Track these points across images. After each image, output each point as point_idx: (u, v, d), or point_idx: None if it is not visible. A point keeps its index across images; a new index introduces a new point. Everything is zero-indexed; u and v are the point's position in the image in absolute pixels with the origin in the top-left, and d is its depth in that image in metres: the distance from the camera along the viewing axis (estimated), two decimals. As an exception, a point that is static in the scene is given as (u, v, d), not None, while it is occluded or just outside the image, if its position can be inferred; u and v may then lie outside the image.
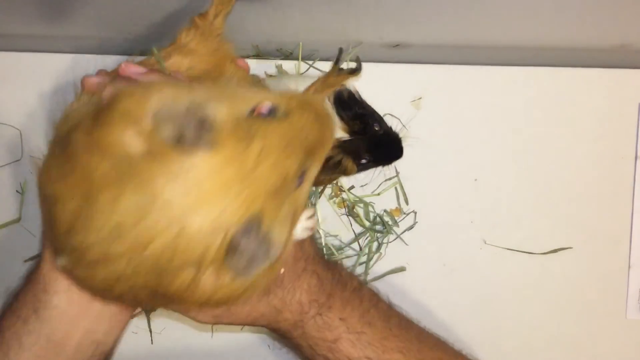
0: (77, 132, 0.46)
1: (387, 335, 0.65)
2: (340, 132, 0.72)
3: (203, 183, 0.42)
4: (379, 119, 0.76)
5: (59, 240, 0.47)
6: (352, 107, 0.73)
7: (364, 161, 0.75)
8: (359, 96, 0.76)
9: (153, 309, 0.78)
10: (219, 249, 0.44)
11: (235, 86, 0.59)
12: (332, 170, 0.74)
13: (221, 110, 0.45)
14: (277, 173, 0.45)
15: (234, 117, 0.45)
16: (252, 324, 0.62)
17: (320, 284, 0.63)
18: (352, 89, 0.75)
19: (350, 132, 0.72)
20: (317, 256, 0.64)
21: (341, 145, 0.72)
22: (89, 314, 0.59)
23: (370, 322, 0.64)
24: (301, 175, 0.48)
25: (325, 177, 0.77)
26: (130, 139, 0.43)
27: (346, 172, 0.76)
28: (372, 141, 0.74)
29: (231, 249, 0.44)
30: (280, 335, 0.65)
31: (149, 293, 0.47)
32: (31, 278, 0.60)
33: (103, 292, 0.48)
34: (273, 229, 0.45)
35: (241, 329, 0.84)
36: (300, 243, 0.62)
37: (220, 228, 0.43)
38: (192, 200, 0.42)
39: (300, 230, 0.58)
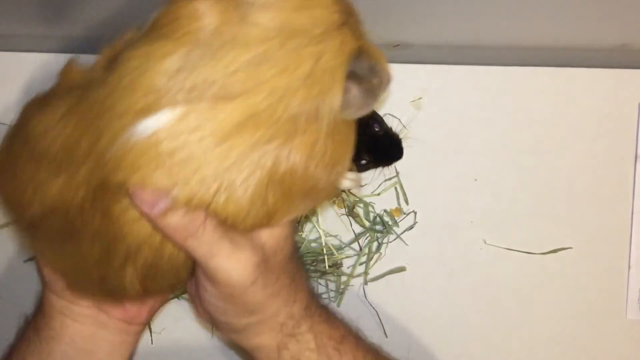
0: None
1: (377, 348, 0.64)
2: None
3: (326, 17, 0.45)
4: (378, 119, 0.76)
5: (162, 89, 0.43)
6: None
7: (363, 162, 0.75)
8: None
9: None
10: (342, 76, 0.45)
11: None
12: None
13: None
14: (360, 26, 0.51)
15: None
16: (270, 299, 0.55)
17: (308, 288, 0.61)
18: None
19: None
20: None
21: None
22: (83, 336, 0.61)
23: (356, 332, 0.64)
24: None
25: None
26: None
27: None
28: (372, 142, 0.74)
29: (351, 78, 0.45)
30: (282, 336, 0.57)
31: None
32: (38, 303, 0.63)
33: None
34: (378, 61, 0.48)
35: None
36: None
37: (346, 53, 0.46)
38: (322, 30, 0.44)
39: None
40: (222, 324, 0.58)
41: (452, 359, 0.86)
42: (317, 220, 0.84)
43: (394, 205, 0.85)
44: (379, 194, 0.84)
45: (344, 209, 0.85)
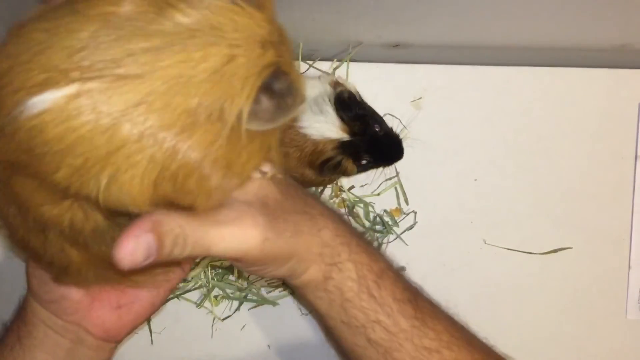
0: None
1: (416, 287, 0.63)
2: (340, 133, 0.72)
3: (251, 26, 0.43)
4: (379, 120, 0.76)
5: (58, 66, 0.40)
6: (352, 108, 0.73)
7: (364, 162, 0.75)
8: (360, 97, 0.76)
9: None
10: (251, 90, 0.43)
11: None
12: (332, 171, 0.74)
13: None
14: (289, 53, 0.47)
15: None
16: (294, 239, 0.53)
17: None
18: (352, 89, 0.75)
19: (351, 133, 0.72)
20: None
21: (341, 146, 0.72)
22: (64, 346, 0.62)
23: (397, 268, 0.61)
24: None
25: (325, 178, 0.77)
26: None
27: (346, 173, 0.76)
28: (372, 142, 0.74)
29: (262, 91, 0.44)
30: (324, 266, 0.55)
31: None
32: (20, 308, 0.64)
33: (100, 134, 0.41)
34: (297, 82, 0.46)
35: (242, 328, 0.84)
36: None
37: (256, 71, 0.43)
38: (242, 36, 0.43)
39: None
40: (272, 279, 0.57)
41: (452, 359, 0.86)
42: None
43: (394, 205, 0.85)
44: (379, 194, 0.84)
45: (344, 209, 0.85)
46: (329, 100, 0.72)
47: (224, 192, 0.47)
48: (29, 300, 0.63)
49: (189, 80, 0.41)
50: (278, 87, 0.44)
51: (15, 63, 0.41)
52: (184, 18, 0.41)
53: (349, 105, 0.73)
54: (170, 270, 0.63)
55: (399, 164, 0.81)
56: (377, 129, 0.75)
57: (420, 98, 0.85)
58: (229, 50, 0.41)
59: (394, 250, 0.84)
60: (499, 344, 0.86)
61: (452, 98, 0.85)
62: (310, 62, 0.83)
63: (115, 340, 0.66)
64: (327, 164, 0.73)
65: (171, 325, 0.84)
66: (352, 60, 0.83)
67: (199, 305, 0.84)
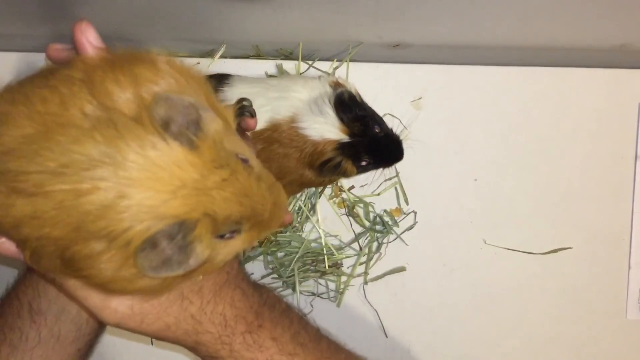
0: (69, 68, 0.47)
1: (319, 357, 0.62)
2: (340, 134, 0.72)
3: (163, 169, 0.43)
4: (379, 121, 0.76)
5: None
6: (352, 109, 0.73)
7: (364, 163, 0.75)
8: (360, 98, 0.76)
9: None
10: (139, 235, 0.44)
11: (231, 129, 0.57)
12: (331, 172, 0.74)
13: (215, 125, 0.46)
14: (225, 207, 0.46)
15: (222, 138, 0.47)
16: (166, 333, 0.57)
17: (246, 299, 0.59)
18: (352, 90, 0.75)
19: (350, 134, 0.72)
20: (241, 273, 0.61)
21: (341, 147, 0.72)
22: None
23: (302, 343, 0.62)
24: (233, 231, 0.50)
25: (325, 179, 0.77)
26: (127, 98, 0.45)
27: (346, 174, 0.76)
28: (372, 143, 0.74)
29: (149, 243, 0.44)
30: (206, 356, 0.59)
31: (56, 248, 0.46)
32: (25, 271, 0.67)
33: (10, 229, 0.46)
34: (200, 243, 0.45)
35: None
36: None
37: (154, 215, 0.44)
38: (145, 177, 0.43)
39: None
40: None
41: (452, 359, 0.86)
42: (317, 220, 0.84)
43: (394, 205, 0.85)
44: (379, 194, 0.84)
45: (344, 209, 0.85)
46: (329, 101, 0.72)
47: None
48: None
49: (75, 208, 0.43)
50: (171, 240, 0.44)
51: None
52: (103, 147, 0.43)
53: (349, 106, 0.73)
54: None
55: (399, 164, 0.81)
56: (377, 130, 0.74)
57: (420, 98, 0.85)
58: (124, 188, 0.43)
59: (394, 250, 0.84)
60: (500, 344, 0.86)
61: (452, 98, 0.85)
62: (310, 62, 0.83)
63: None
64: (327, 165, 0.73)
65: (171, 325, 0.84)
66: (352, 60, 0.83)
67: (199, 305, 0.84)
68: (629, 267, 0.85)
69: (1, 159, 0.45)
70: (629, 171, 0.85)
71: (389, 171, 0.83)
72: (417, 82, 0.85)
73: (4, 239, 0.50)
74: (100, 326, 0.68)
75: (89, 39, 0.52)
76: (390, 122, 0.81)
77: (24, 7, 0.74)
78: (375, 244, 0.84)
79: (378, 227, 0.84)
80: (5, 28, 0.79)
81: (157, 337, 0.57)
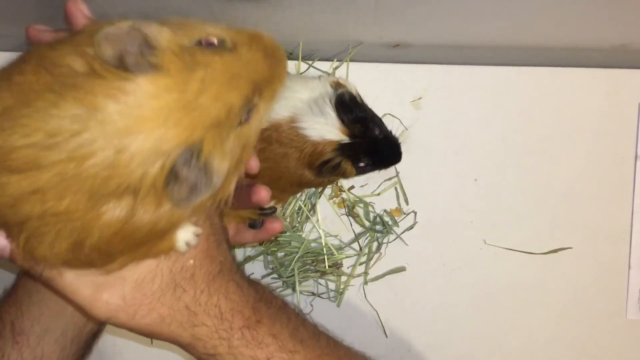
0: (27, 53, 0.46)
1: (320, 354, 0.61)
2: (340, 135, 0.72)
3: (143, 106, 0.42)
4: (378, 123, 0.76)
5: None
6: (353, 110, 0.73)
7: (362, 164, 0.75)
8: (360, 98, 0.76)
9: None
10: (159, 175, 0.43)
11: (181, 18, 0.53)
12: (331, 172, 0.74)
13: (164, 35, 0.44)
14: (220, 105, 0.44)
15: (178, 43, 0.44)
16: (160, 327, 0.55)
17: (241, 292, 0.58)
18: (353, 91, 0.75)
19: (350, 135, 0.72)
20: (234, 266, 0.59)
21: (341, 148, 0.72)
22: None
23: (301, 340, 0.60)
24: (249, 111, 0.48)
25: (324, 179, 0.77)
26: (73, 59, 0.43)
27: (345, 175, 0.76)
28: (372, 145, 0.74)
29: (171, 176, 0.43)
30: (203, 355, 0.57)
31: (65, 223, 0.44)
32: None
33: (6, 209, 0.44)
34: (214, 160, 0.44)
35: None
36: (217, 243, 0.58)
37: (160, 153, 0.42)
38: (132, 122, 0.41)
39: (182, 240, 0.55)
40: None
41: (452, 359, 0.86)
42: (317, 220, 0.84)
43: (394, 205, 0.85)
44: (379, 194, 0.84)
45: (344, 209, 0.85)
46: (330, 102, 0.72)
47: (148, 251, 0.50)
48: None
49: (79, 175, 0.42)
50: (187, 169, 0.44)
51: None
52: (75, 107, 0.41)
53: (349, 107, 0.73)
54: None
55: (399, 164, 0.81)
56: (377, 132, 0.74)
57: (420, 98, 0.85)
58: (117, 141, 0.41)
59: (394, 250, 0.84)
60: (500, 344, 0.86)
61: (452, 98, 0.85)
62: (310, 62, 0.83)
63: None
64: (326, 166, 0.73)
65: (171, 325, 0.84)
66: (352, 60, 0.83)
67: (199, 305, 0.84)
68: (629, 267, 0.85)
69: None
70: (629, 171, 0.85)
71: (389, 171, 0.83)
72: (417, 82, 0.85)
73: None
74: (86, 345, 0.67)
75: (81, 9, 0.51)
76: (390, 122, 0.81)
77: (24, 8, 0.74)
78: (375, 244, 0.84)
79: (378, 227, 0.84)
80: (4, 28, 0.79)
81: (152, 333, 0.55)
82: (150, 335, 0.56)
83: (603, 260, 0.85)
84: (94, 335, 0.68)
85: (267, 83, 0.48)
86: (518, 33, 0.79)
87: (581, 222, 0.85)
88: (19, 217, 0.44)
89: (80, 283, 0.51)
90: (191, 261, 0.55)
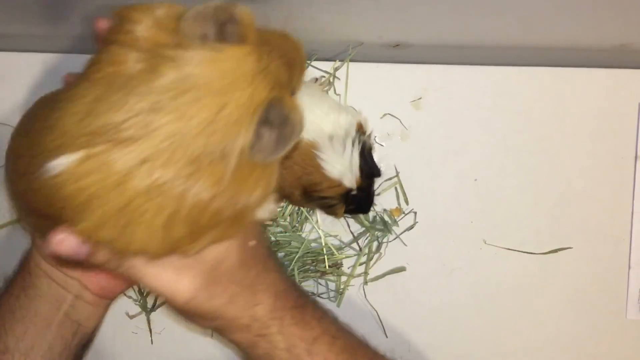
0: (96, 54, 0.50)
1: (358, 342, 0.64)
2: (354, 184, 0.72)
3: (235, 69, 0.47)
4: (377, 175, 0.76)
5: (70, 132, 0.45)
6: (369, 165, 0.73)
7: (349, 209, 0.75)
8: (371, 155, 0.75)
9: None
10: (247, 140, 0.47)
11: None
12: (320, 206, 0.75)
13: (245, 10, 0.50)
14: (283, 71, 0.51)
15: (252, 19, 0.50)
16: (227, 308, 0.57)
17: (286, 278, 0.61)
18: (373, 143, 0.76)
19: (359, 186, 0.72)
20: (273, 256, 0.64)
21: (345, 195, 0.72)
22: (67, 298, 0.65)
23: (341, 328, 0.63)
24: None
25: (305, 204, 0.78)
26: (158, 34, 0.48)
27: (331, 214, 0.77)
28: (365, 199, 0.74)
29: (256, 136, 0.48)
30: (255, 337, 0.59)
31: (170, 197, 0.46)
32: (23, 261, 0.67)
33: (112, 190, 0.45)
34: (291, 111, 0.50)
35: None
36: (261, 229, 0.62)
37: (253, 106, 0.48)
38: (228, 82, 0.46)
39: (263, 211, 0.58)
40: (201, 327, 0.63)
41: (452, 359, 0.86)
42: (317, 220, 0.84)
43: (394, 205, 0.85)
44: (379, 194, 0.84)
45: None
46: (355, 147, 0.71)
47: (240, 221, 0.53)
48: (33, 253, 0.65)
49: (185, 135, 0.45)
50: (275, 119, 0.49)
51: (42, 126, 0.47)
52: (173, 74, 0.45)
53: (367, 160, 0.72)
54: None
55: (399, 164, 0.81)
56: (375, 189, 0.76)
57: (420, 98, 0.85)
58: (219, 99, 0.46)
59: (394, 250, 0.84)
60: (500, 344, 0.86)
61: (452, 98, 0.85)
62: (310, 62, 0.83)
63: (110, 297, 0.69)
64: (324, 201, 0.73)
65: (171, 325, 0.84)
66: (352, 60, 0.83)
67: (199, 305, 0.84)
68: (629, 267, 0.85)
69: (85, 122, 0.45)
70: (629, 171, 0.85)
71: (389, 171, 0.83)
72: (417, 82, 0.85)
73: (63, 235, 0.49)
74: (75, 358, 0.67)
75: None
76: (390, 122, 0.81)
77: (24, 6, 0.74)
78: (375, 244, 0.84)
79: (378, 227, 0.84)
80: (4, 28, 0.79)
81: (219, 316, 0.57)
82: (215, 318, 0.58)
83: (603, 260, 0.85)
84: (83, 347, 0.68)
85: (297, 66, 0.56)
86: (518, 33, 0.79)
87: (581, 222, 0.85)
88: (124, 197, 0.46)
89: (161, 268, 0.53)
90: (254, 241, 0.59)
